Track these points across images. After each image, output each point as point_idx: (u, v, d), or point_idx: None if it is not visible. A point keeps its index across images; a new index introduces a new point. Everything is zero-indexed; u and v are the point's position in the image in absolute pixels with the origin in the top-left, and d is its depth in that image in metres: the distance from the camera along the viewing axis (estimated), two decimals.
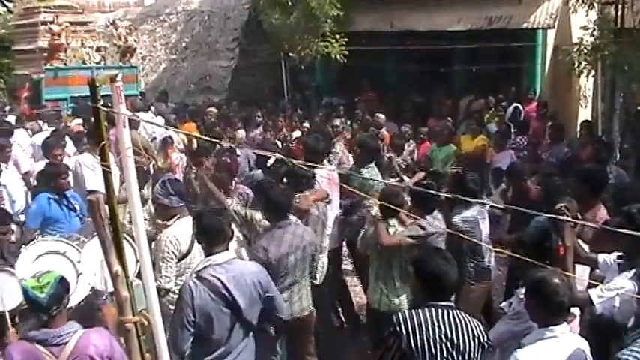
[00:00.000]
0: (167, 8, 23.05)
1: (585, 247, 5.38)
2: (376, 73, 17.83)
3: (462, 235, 6.27)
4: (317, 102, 17.62)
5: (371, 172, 8.03)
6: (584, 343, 4.00)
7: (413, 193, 6.49)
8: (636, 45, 11.09)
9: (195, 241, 5.48)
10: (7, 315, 4.84)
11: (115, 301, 3.36)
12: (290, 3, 15.91)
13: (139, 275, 3.65)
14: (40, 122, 12.63)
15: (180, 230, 5.76)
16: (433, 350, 3.92)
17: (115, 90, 3.17)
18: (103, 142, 3.16)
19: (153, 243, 5.84)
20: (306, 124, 13.64)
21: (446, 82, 17.70)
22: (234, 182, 7.51)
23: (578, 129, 12.59)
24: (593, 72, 13.00)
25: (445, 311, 4.02)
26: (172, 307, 4.95)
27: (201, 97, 19.08)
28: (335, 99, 16.52)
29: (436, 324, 3.96)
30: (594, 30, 12.41)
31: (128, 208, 5.70)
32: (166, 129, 11.19)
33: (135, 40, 18.86)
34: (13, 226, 8.17)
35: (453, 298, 4.36)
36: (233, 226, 5.59)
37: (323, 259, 6.81)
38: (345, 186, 7.46)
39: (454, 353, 3.94)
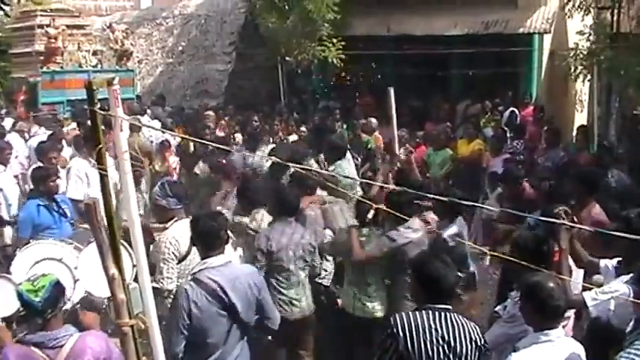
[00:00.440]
0: (164, 12, 23.02)
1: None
2: (373, 77, 17.86)
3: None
4: (314, 106, 17.62)
5: (337, 169, 8.60)
6: (579, 348, 4.01)
7: (390, 201, 6.45)
8: (632, 50, 11.13)
9: None
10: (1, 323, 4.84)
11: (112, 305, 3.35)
12: (287, 7, 15.93)
13: (135, 279, 3.65)
14: (37, 126, 12.63)
15: (179, 232, 5.76)
16: (430, 353, 3.92)
17: (112, 93, 3.16)
18: (100, 146, 3.16)
19: (151, 246, 5.87)
20: (303, 128, 13.63)
21: (443, 86, 17.72)
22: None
23: (575, 133, 12.61)
24: (589, 76, 13.03)
25: (442, 314, 4.03)
26: None
27: (197, 101, 19.05)
28: (332, 103, 16.53)
29: (433, 326, 3.97)
30: (590, 35, 12.46)
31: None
32: (163, 132, 11.20)
33: (131, 44, 18.84)
34: (9, 229, 8.21)
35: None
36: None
37: (326, 265, 6.90)
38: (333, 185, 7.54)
39: (451, 356, 3.95)
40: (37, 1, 17.24)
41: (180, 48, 21.84)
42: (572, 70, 12.77)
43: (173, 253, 5.74)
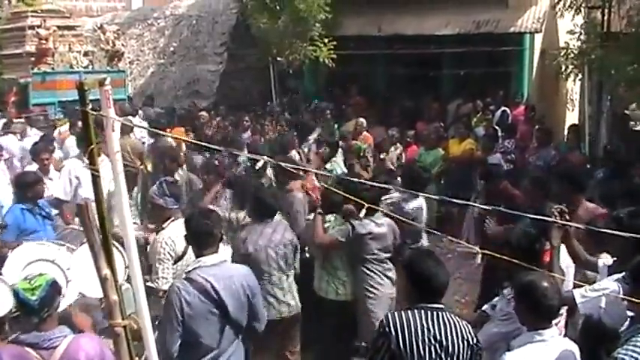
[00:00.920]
0: (155, 12, 22.97)
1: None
2: (364, 77, 17.86)
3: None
4: (305, 106, 17.62)
5: (334, 165, 9.04)
6: (573, 347, 4.02)
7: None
8: (623, 49, 11.16)
9: None
10: None
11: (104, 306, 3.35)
12: (278, 7, 15.92)
13: (128, 280, 3.65)
14: (28, 127, 12.60)
15: (175, 232, 5.76)
16: (422, 352, 3.93)
17: (104, 94, 3.15)
18: (92, 146, 3.15)
19: (148, 247, 5.89)
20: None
21: (434, 85, 17.73)
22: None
23: (566, 132, 12.66)
24: (580, 76, 13.07)
25: (435, 313, 4.04)
26: None
27: (188, 101, 19.02)
28: (324, 103, 16.53)
29: (425, 326, 3.97)
30: (581, 34, 12.49)
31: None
32: (156, 133, 11.16)
33: (122, 45, 18.80)
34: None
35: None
36: None
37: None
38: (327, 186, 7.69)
39: (443, 355, 3.95)
40: (28, 2, 17.20)
41: (171, 49, 21.80)
42: (563, 69, 12.80)
43: (169, 253, 5.74)
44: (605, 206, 6.53)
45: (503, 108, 14.75)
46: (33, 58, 16.29)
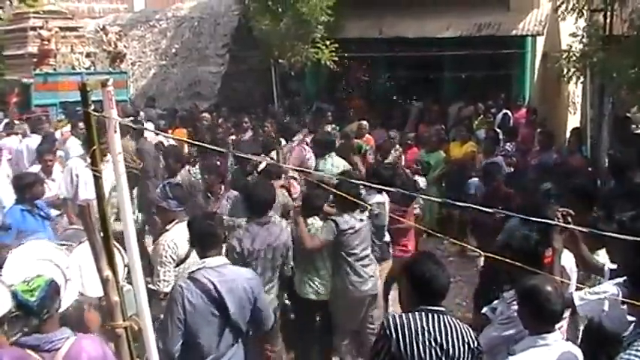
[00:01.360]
0: (157, 14, 23.00)
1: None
2: (366, 79, 17.87)
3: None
4: (307, 108, 17.62)
5: (327, 162, 9.27)
6: (577, 351, 4.01)
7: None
8: (624, 52, 11.14)
9: None
10: None
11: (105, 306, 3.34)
12: (280, 9, 15.90)
13: (129, 280, 3.64)
14: (26, 127, 12.60)
15: (179, 235, 5.76)
16: (422, 355, 3.92)
17: (106, 95, 3.16)
18: (94, 147, 3.15)
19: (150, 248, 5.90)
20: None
21: (435, 88, 17.74)
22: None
23: (568, 135, 12.64)
24: (582, 78, 13.05)
25: (435, 316, 4.02)
26: None
27: (190, 103, 19.03)
28: (325, 105, 16.54)
29: (426, 328, 3.96)
30: (583, 37, 12.47)
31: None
32: (157, 134, 11.20)
33: (124, 46, 18.83)
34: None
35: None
36: None
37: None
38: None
39: (443, 358, 3.93)
40: (30, 3, 17.19)
41: (173, 50, 21.83)
42: (565, 72, 12.78)
43: (171, 256, 5.74)
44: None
45: (504, 111, 14.76)
46: (35, 59, 16.30)
